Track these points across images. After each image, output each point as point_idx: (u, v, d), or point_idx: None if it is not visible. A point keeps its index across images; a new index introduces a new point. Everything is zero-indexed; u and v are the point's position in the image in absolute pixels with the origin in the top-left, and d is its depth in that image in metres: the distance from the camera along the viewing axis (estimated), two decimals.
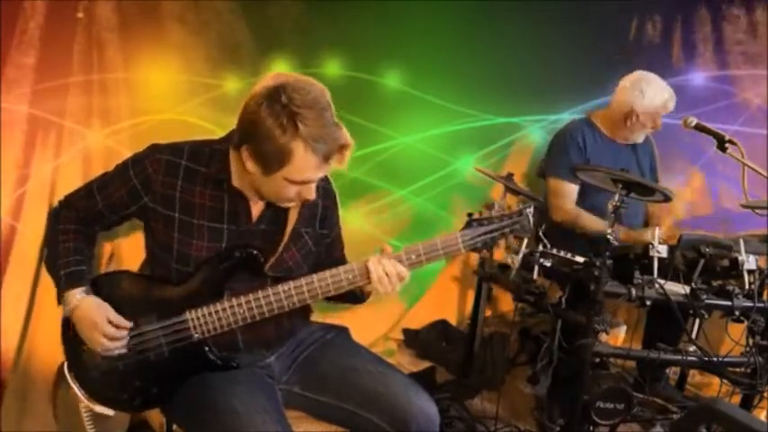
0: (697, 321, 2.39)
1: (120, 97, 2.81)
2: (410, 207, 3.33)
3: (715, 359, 2.25)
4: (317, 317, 1.87)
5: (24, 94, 2.65)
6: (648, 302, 2.19)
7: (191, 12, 2.85)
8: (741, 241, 2.30)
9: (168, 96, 2.89)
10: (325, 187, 1.74)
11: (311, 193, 1.56)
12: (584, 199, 2.84)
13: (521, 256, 2.40)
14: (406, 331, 3.31)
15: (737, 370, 2.33)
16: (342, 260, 1.78)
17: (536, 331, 2.92)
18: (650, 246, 2.27)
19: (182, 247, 1.58)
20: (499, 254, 3.04)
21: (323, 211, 1.73)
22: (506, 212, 1.60)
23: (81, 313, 1.55)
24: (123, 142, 2.78)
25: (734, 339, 2.29)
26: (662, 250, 2.26)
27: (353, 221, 3.17)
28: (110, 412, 1.63)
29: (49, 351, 2.48)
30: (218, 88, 2.92)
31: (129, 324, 1.57)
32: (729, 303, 2.22)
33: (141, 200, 1.59)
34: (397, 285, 1.57)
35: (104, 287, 1.61)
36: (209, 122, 2.89)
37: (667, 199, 2.34)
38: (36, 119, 2.69)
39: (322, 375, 1.68)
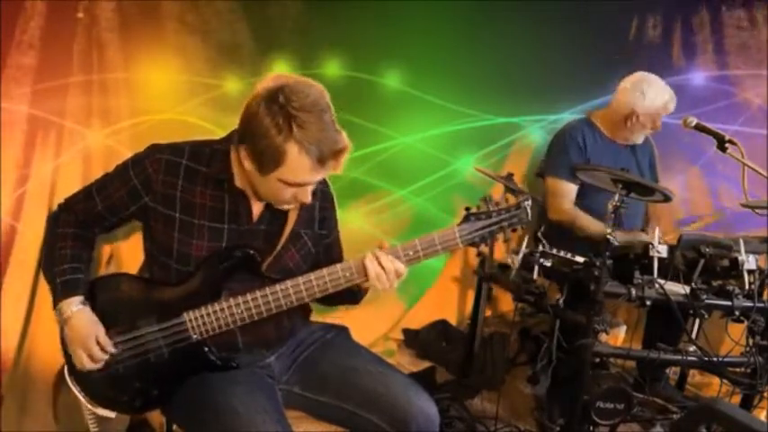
0: (697, 321, 2.40)
1: (120, 97, 2.81)
2: (410, 207, 3.33)
3: (715, 359, 2.25)
4: (316, 317, 1.87)
5: (24, 94, 2.65)
6: (648, 302, 2.19)
7: (191, 12, 2.85)
8: (741, 241, 2.30)
9: (168, 96, 2.89)
10: (323, 190, 1.74)
11: (307, 197, 1.55)
12: (583, 199, 2.84)
13: (521, 256, 2.40)
14: (406, 331, 3.31)
15: (737, 370, 2.33)
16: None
17: (536, 331, 2.92)
18: (650, 246, 2.27)
19: (182, 247, 1.58)
20: (499, 254, 3.05)
21: (321, 213, 1.73)
22: (504, 206, 1.58)
23: (73, 325, 1.55)
24: (123, 142, 2.78)
25: (734, 339, 2.29)
26: (662, 250, 2.26)
27: (353, 221, 3.17)
28: (111, 414, 1.64)
29: (49, 351, 2.48)
30: (218, 88, 2.92)
31: (113, 350, 1.57)
32: (729, 303, 2.22)
33: (141, 200, 1.59)
34: (394, 282, 1.56)
35: (102, 290, 1.61)
36: (209, 122, 2.89)
37: (667, 199, 2.34)
38: (36, 119, 2.69)
39: (322, 375, 1.68)
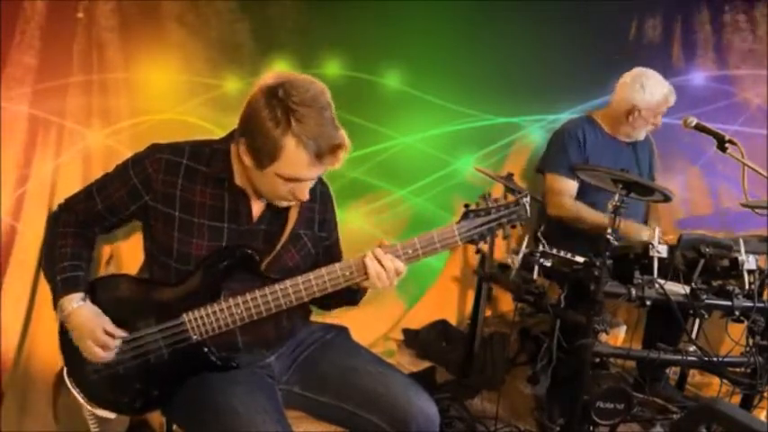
0: (697, 321, 2.40)
1: (120, 97, 2.81)
2: (410, 207, 3.33)
3: (715, 359, 2.25)
4: (316, 317, 1.87)
5: (24, 93, 2.65)
6: (648, 302, 2.19)
7: (191, 12, 2.85)
8: (741, 241, 2.30)
9: (168, 96, 2.89)
10: (322, 192, 1.74)
11: (304, 194, 1.55)
12: (584, 197, 2.83)
13: (521, 255, 2.40)
14: (406, 331, 3.31)
15: (737, 370, 2.33)
16: None
17: (536, 331, 2.92)
18: (650, 246, 2.27)
19: (182, 247, 1.57)
20: (499, 253, 3.05)
21: (321, 215, 1.73)
22: (503, 203, 1.58)
23: (77, 321, 1.55)
24: (123, 142, 2.78)
25: (734, 339, 2.28)
26: (662, 250, 2.26)
27: (353, 221, 3.18)
28: (111, 415, 1.63)
29: (49, 351, 2.47)
30: (218, 88, 2.93)
31: (123, 333, 1.56)
32: (729, 303, 2.22)
33: (141, 199, 1.59)
34: (394, 281, 1.56)
35: (102, 290, 1.61)
36: (209, 122, 2.89)
37: (667, 199, 2.34)
38: (36, 119, 2.69)
39: (322, 375, 1.68)
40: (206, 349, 1.58)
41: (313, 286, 1.56)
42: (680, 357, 2.27)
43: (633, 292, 2.17)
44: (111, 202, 1.61)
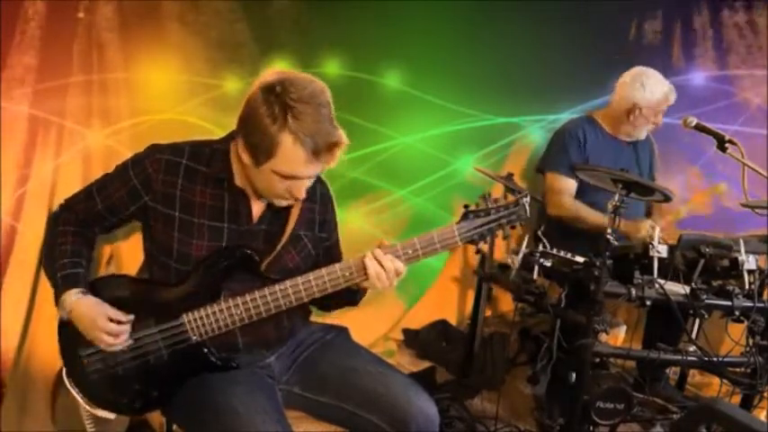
0: (697, 321, 2.40)
1: (120, 97, 2.81)
2: (410, 207, 3.33)
3: (715, 359, 2.25)
4: (316, 317, 1.87)
5: (25, 94, 2.65)
6: (648, 302, 2.19)
7: (191, 12, 2.85)
8: (741, 241, 2.30)
9: (168, 96, 2.89)
10: (322, 193, 1.74)
11: (301, 192, 1.55)
12: (584, 197, 2.83)
13: (521, 256, 2.40)
14: (406, 331, 3.31)
15: (737, 370, 2.33)
16: None
17: (536, 331, 2.92)
18: (650, 246, 2.27)
19: (182, 247, 1.57)
20: (499, 254, 3.05)
21: (321, 216, 1.73)
22: (503, 203, 1.58)
23: (79, 313, 1.54)
24: (123, 142, 2.78)
25: (734, 339, 2.28)
26: (662, 250, 2.26)
27: (353, 221, 3.18)
28: (110, 416, 1.63)
29: (49, 351, 2.46)
30: (218, 88, 2.93)
31: (129, 317, 1.56)
32: (729, 303, 2.22)
33: (141, 199, 1.59)
34: (394, 281, 1.56)
35: (102, 290, 1.60)
36: (209, 122, 2.89)
37: (667, 199, 2.34)
38: (36, 119, 2.69)
39: (322, 376, 1.68)
40: (206, 350, 1.58)
41: (313, 287, 1.56)
42: (680, 357, 2.27)
43: (633, 292, 2.17)
44: (111, 202, 1.61)
